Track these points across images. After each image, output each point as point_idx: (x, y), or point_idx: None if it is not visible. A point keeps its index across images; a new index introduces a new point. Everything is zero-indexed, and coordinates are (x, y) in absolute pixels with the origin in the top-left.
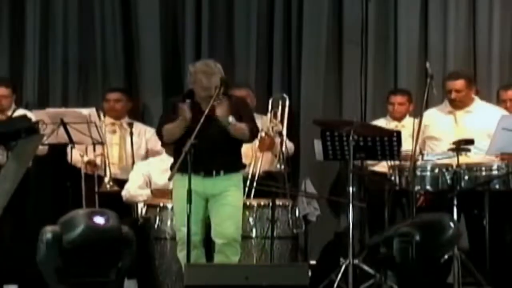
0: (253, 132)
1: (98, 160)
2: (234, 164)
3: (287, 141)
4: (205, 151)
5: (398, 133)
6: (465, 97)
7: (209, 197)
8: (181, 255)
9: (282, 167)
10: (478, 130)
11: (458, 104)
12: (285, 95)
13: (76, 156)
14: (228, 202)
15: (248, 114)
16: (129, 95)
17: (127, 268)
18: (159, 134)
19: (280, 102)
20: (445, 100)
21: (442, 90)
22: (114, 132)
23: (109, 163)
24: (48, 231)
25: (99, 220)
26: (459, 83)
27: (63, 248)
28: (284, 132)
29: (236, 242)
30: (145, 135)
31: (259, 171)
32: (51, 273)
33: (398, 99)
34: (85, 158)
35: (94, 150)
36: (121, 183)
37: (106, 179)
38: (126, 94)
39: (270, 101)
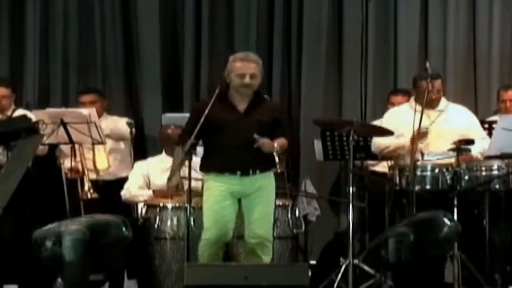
0: (289, 141)
1: (80, 166)
2: (268, 162)
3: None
4: (240, 150)
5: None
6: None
7: (244, 196)
8: (205, 254)
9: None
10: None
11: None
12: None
13: (66, 162)
14: (262, 201)
15: (285, 121)
16: (103, 94)
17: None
18: (181, 138)
19: None
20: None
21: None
22: None
23: (88, 170)
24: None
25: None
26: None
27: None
28: None
29: (269, 241)
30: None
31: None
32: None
33: (398, 99)
34: (67, 165)
35: (75, 156)
36: (108, 185)
37: (86, 187)
38: (100, 94)
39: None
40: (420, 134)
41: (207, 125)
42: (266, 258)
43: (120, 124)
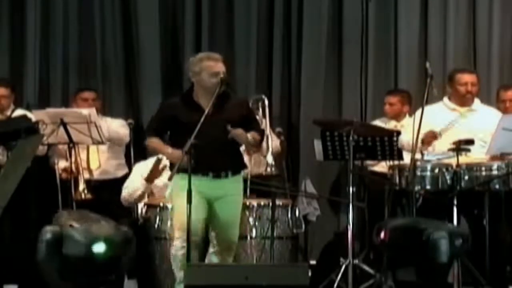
0: (262, 136)
1: (74, 167)
2: (239, 164)
3: (272, 140)
4: (212, 152)
5: (398, 133)
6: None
7: (214, 199)
8: (179, 254)
9: (273, 169)
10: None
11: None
12: (263, 96)
13: (61, 163)
14: (233, 206)
15: (254, 117)
16: (98, 93)
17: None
18: (146, 135)
19: (260, 104)
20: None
21: (442, 90)
22: None
23: (82, 170)
24: (48, 231)
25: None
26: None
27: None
28: (268, 132)
29: (235, 244)
30: (111, 125)
31: (250, 173)
32: (52, 273)
33: (389, 99)
34: (61, 165)
35: (70, 156)
36: (102, 184)
37: (81, 188)
38: (97, 92)
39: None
40: (430, 136)
41: (174, 127)
42: (230, 259)
43: (119, 129)
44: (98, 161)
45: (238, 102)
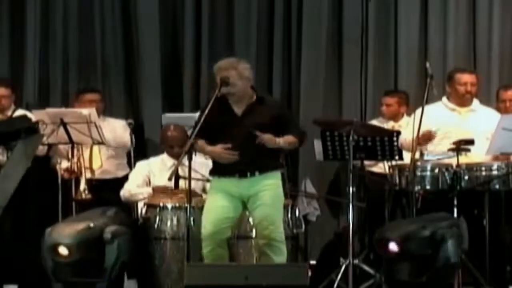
0: (302, 138)
1: (76, 167)
2: (270, 163)
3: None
4: (238, 153)
5: (398, 133)
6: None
7: (246, 198)
8: (205, 251)
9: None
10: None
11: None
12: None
13: (63, 163)
14: (264, 202)
15: (291, 119)
16: (102, 93)
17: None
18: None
19: None
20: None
21: (442, 90)
22: None
23: (84, 170)
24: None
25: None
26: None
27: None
28: None
29: (277, 241)
30: (116, 129)
31: None
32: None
33: (386, 100)
34: (63, 165)
35: (72, 156)
36: (103, 184)
37: (82, 187)
38: (100, 93)
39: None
40: (427, 135)
41: (207, 129)
42: (278, 258)
43: (124, 134)
44: (100, 161)
45: (270, 104)
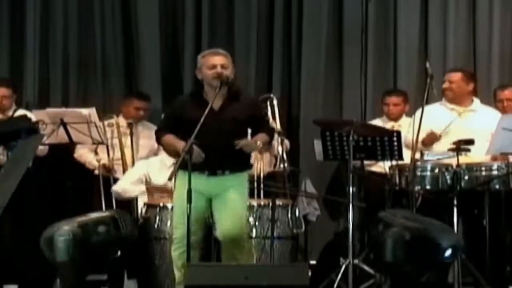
0: (272, 135)
1: (111, 164)
2: (240, 163)
3: (284, 139)
4: (210, 150)
5: (398, 133)
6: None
7: (213, 196)
8: (175, 254)
9: (286, 165)
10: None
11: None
12: (272, 95)
13: (89, 157)
14: (230, 200)
15: (263, 116)
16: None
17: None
18: (157, 135)
19: (268, 102)
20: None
21: (442, 90)
22: (128, 134)
23: (123, 168)
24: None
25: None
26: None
27: None
28: (279, 129)
29: (240, 239)
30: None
31: (263, 172)
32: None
33: (393, 100)
34: (101, 162)
35: (108, 154)
36: None
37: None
38: (150, 101)
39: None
40: (432, 136)
41: (182, 124)
42: (240, 257)
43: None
44: (132, 162)
45: (247, 101)
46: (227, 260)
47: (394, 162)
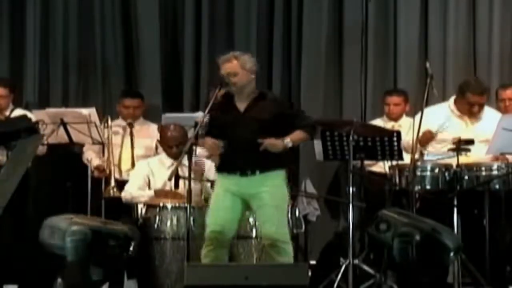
0: (312, 129)
1: (105, 166)
2: (272, 162)
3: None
4: (240, 150)
5: (398, 133)
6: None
7: (247, 197)
8: (204, 251)
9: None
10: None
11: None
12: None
13: (91, 156)
14: (265, 202)
15: (294, 113)
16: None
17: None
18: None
19: None
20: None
21: (442, 90)
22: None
23: (114, 168)
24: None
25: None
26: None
27: None
28: None
29: (280, 242)
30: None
31: None
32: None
33: (393, 99)
34: (94, 163)
35: (103, 154)
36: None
37: (112, 185)
38: (142, 99)
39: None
40: (427, 135)
41: (213, 126)
42: (282, 259)
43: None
44: (131, 163)
45: (271, 100)
46: (268, 260)
47: (394, 162)
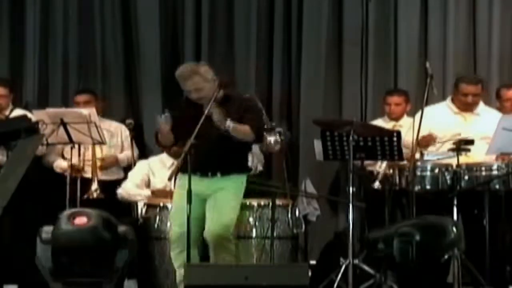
0: (258, 131)
1: (82, 164)
2: (233, 165)
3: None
4: (203, 152)
5: (398, 133)
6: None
7: (205, 197)
8: (173, 254)
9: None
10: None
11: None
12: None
13: (58, 161)
14: (218, 201)
15: (251, 113)
16: (96, 94)
17: (125, 267)
18: (156, 138)
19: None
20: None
21: (442, 90)
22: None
23: (96, 169)
24: (44, 231)
25: (81, 220)
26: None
27: (56, 247)
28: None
29: (226, 241)
30: (122, 132)
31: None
32: (46, 272)
33: (394, 99)
34: (62, 164)
35: (79, 154)
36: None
37: (94, 187)
38: (95, 94)
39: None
40: (428, 138)
41: (177, 127)
42: (226, 257)
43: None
44: (101, 161)
45: (237, 100)
46: (213, 259)
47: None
